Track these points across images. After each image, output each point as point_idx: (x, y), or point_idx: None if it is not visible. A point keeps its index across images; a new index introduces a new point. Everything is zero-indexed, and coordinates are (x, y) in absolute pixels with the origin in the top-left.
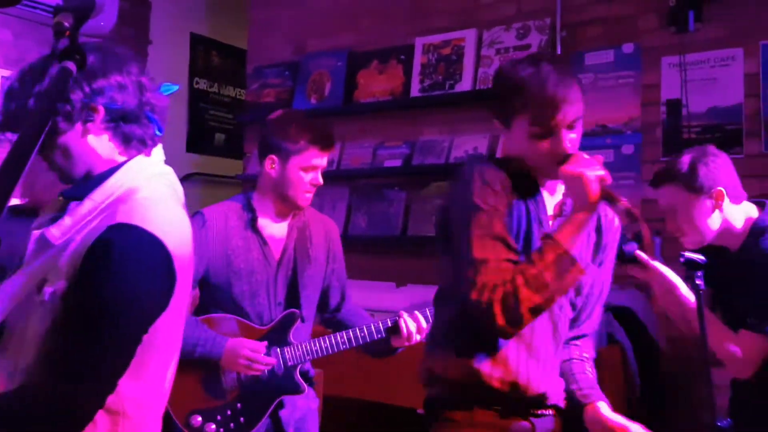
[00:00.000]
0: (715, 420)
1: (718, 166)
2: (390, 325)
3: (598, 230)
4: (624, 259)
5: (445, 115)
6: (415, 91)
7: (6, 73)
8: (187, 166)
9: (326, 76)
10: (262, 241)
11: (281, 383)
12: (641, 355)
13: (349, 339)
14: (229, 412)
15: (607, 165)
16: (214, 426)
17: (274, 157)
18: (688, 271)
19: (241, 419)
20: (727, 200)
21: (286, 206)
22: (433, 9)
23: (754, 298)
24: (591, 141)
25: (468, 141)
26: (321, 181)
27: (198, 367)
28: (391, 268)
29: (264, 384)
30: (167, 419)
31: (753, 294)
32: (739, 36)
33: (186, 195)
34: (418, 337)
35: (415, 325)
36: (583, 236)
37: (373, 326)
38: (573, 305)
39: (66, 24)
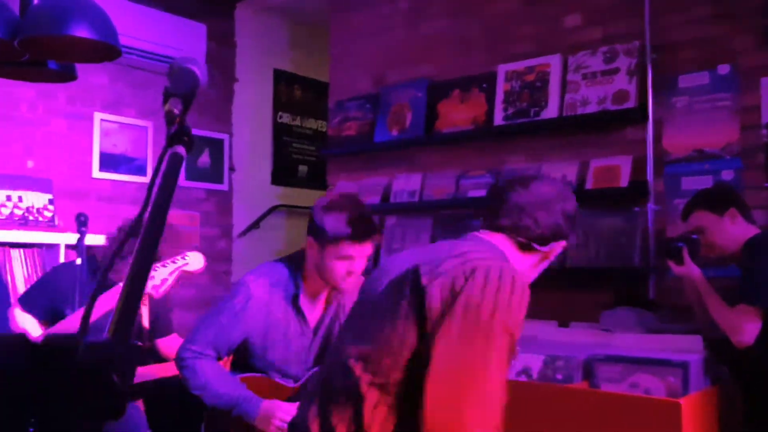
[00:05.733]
0: None
1: (730, 190)
2: None
3: None
4: (669, 252)
5: (530, 143)
6: (498, 119)
7: (104, 116)
8: (272, 199)
9: (407, 107)
10: (301, 316)
11: None
12: (749, 392)
13: None
14: None
15: None
16: None
17: (311, 240)
18: None
19: None
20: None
21: (327, 285)
22: (514, 35)
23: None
24: (688, 167)
25: (556, 169)
26: (359, 269)
27: (238, 422)
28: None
29: None
30: None
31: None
32: None
33: (272, 226)
34: None
35: None
36: None
37: None
38: None
39: (176, 111)
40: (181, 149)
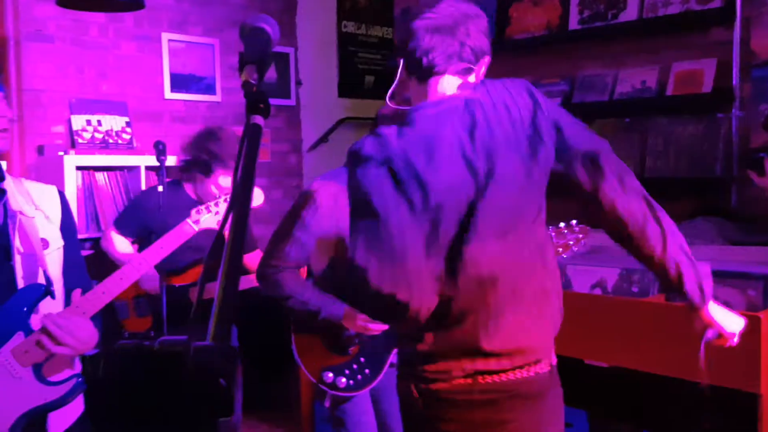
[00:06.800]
0: None
1: None
2: None
3: None
4: (750, 163)
5: (607, 48)
6: (573, 23)
7: (172, 36)
8: (340, 111)
9: None
10: None
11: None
12: None
13: None
14: (355, 366)
15: None
16: (344, 379)
17: None
18: None
19: (366, 371)
20: None
21: None
22: None
23: None
24: None
25: (635, 75)
26: None
27: (323, 329)
28: (554, 212)
29: (381, 338)
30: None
31: None
32: None
33: (340, 139)
34: None
35: None
36: None
37: None
38: None
39: (252, 81)
40: (259, 119)
